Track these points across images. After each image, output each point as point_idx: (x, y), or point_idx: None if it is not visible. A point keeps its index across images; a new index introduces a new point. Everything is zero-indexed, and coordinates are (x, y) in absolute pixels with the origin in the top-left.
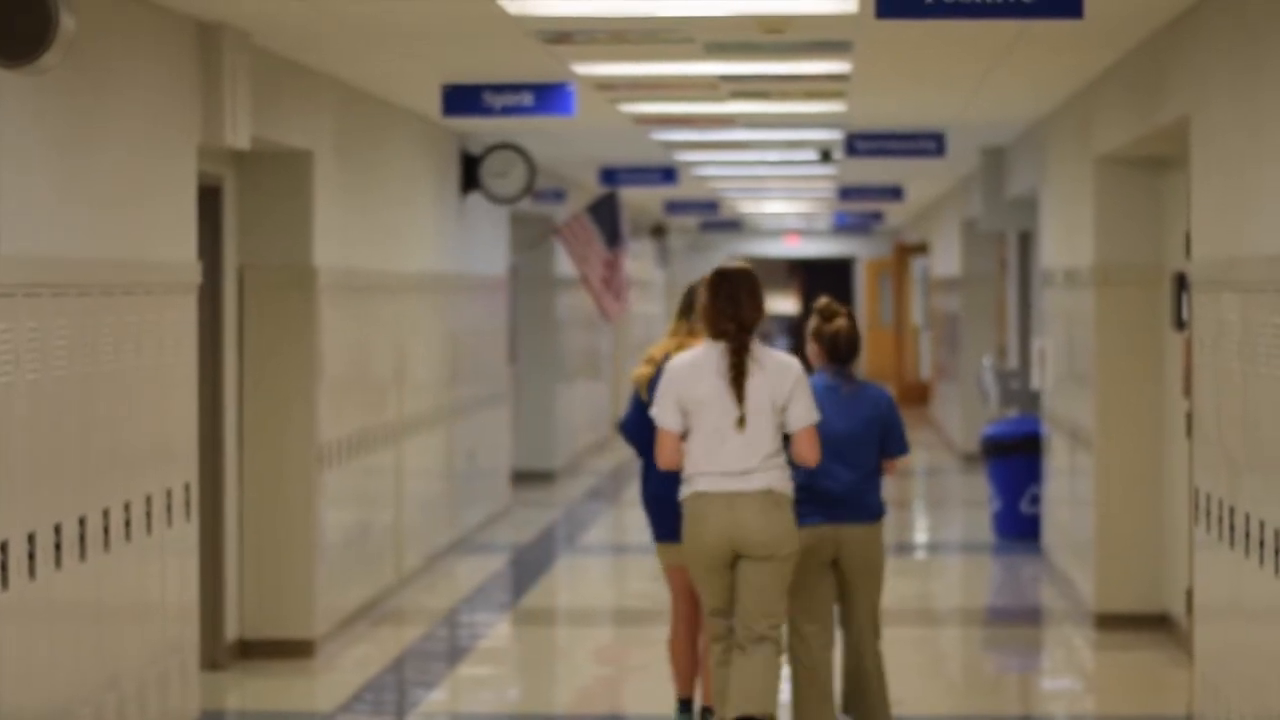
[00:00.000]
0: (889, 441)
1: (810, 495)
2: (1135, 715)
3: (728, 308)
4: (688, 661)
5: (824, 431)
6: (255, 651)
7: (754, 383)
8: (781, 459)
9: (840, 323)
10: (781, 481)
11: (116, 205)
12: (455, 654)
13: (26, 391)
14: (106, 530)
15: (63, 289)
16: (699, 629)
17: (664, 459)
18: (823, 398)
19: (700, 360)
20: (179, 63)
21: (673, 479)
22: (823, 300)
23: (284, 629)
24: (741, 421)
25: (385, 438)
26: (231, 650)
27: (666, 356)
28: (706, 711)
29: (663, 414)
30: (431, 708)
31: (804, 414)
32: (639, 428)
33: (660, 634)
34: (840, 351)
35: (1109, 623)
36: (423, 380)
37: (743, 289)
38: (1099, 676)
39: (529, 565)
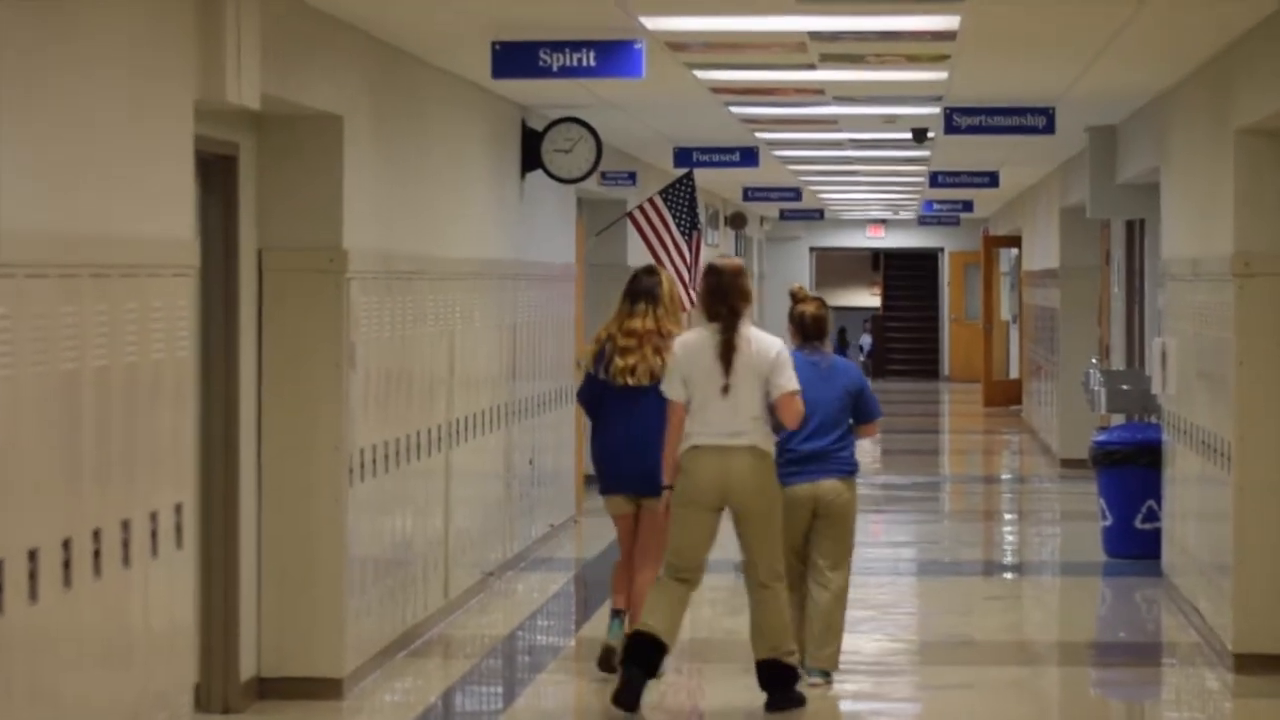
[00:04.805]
0: (864, 408)
1: (792, 457)
2: None
3: (721, 296)
4: (625, 585)
5: (803, 400)
6: (274, 691)
7: (740, 358)
8: (765, 422)
9: (809, 306)
10: (765, 440)
11: (80, 172)
12: (511, 689)
13: None
14: (67, 565)
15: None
16: (634, 565)
17: (672, 425)
18: (801, 371)
19: (698, 340)
20: (169, 4)
21: (619, 440)
22: (795, 285)
23: (308, 665)
24: (726, 390)
25: (431, 443)
26: (247, 690)
27: (610, 337)
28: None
29: (670, 388)
30: None
31: (783, 384)
32: (589, 396)
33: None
34: (809, 330)
35: (1251, 664)
36: (476, 378)
37: (734, 282)
38: None
39: (597, 583)
